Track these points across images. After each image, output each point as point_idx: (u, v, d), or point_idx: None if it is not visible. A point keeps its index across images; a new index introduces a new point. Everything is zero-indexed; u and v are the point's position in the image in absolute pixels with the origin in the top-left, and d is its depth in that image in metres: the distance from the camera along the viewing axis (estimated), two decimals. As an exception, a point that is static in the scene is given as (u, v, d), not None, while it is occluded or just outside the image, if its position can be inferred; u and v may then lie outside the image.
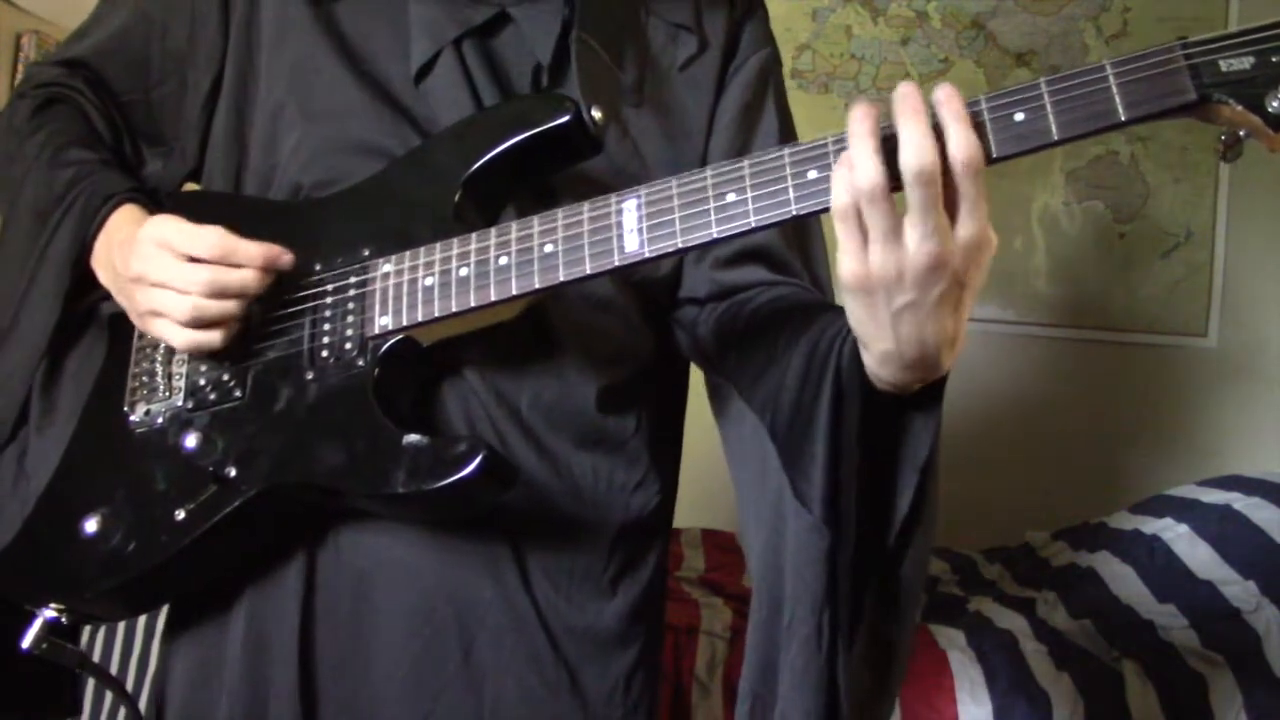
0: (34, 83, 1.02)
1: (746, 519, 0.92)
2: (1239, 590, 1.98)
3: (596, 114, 0.87)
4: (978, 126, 0.69)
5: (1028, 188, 2.94)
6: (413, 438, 0.81)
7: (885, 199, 0.68)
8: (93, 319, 0.96)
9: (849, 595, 0.81)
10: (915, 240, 0.68)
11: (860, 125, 0.69)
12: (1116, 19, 2.93)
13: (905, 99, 0.69)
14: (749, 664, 0.88)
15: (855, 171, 0.68)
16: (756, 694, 0.87)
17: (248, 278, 0.85)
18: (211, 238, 0.84)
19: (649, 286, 0.97)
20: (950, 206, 0.68)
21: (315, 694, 0.89)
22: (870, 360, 0.75)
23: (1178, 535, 2.21)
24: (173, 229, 0.85)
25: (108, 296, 0.92)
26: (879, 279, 0.69)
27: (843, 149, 0.72)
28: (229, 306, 0.85)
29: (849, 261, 0.70)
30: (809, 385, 0.82)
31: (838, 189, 0.70)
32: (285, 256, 0.87)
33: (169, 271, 0.84)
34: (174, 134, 1.01)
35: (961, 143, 0.68)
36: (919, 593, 0.85)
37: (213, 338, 0.86)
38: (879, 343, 0.73)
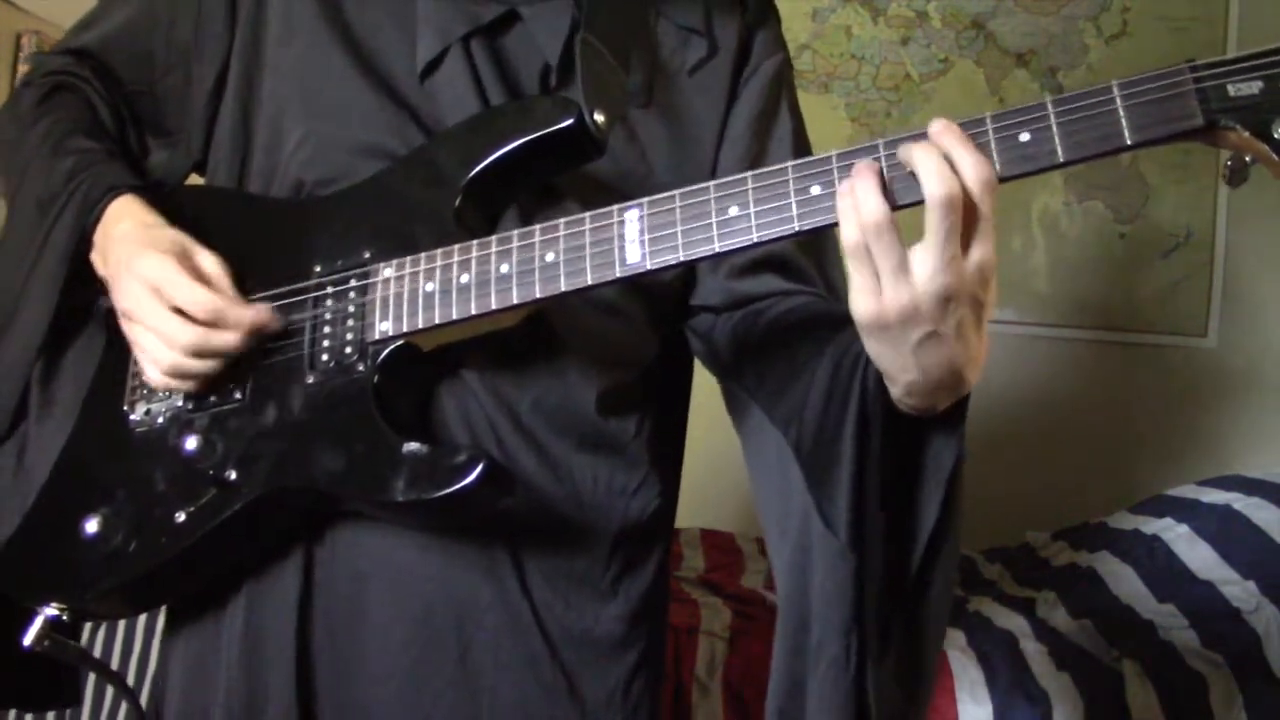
0: (41, 70, 1.02)
1: (771, 530, 0.91)
2: (1239, 590, 1.98)
3: (599, 118, 0.86)
4: (981, 146, 0.69)
5: (1028, 188, 2.93)
6: (412, 446, 0.81)
7: (891, 232, 0.68)
8: (93, 310, 0.96)
9: (878, 615, 0.81)
10: (929, 272, 0.68)
11: (863, 170, 0.70)
12: (1116, 19, 2.92)
13: (914, 144, 0.69)
14: (775, 682, 0.87)
15: (860, 206, 0.69)
16: (783, 712, 0.86)
17: (232, 341, 0.85)
18: (203, 299, 0.84)
19: (654, 291, 0.97)
20: (965, 232, 0.68)
21: (312, 694, 0.89)
22: (897, 391, 0.76)
23: (1178, 535, 2.21)
24: (166, 275, 0.85)
25: (106, 289, 0.92)
26: (894, 314, 0.69)
27: (847, 165, 0.72)
28: (208, 365, 0.86)
29: (865, 300, 0.70)
30: (833, 407, 0.82)
31: (846, 227, 0.70)
32: (275, 323, 0.87)
33: (156, 320, 0.84)
34: (178, 126, 1.01)
35: (971, 162, 0.68)
36: (947, 603, 0.85)
37: (187, 386, 0.88)
38: (904, 374, 0.73)
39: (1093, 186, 2.93)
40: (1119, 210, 2.93)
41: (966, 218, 0.68)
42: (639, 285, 0.95)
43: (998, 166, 0.69)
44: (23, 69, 2.48)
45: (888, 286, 0.69)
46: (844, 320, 0.86)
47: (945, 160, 0.68)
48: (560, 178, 0.91)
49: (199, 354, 0.85)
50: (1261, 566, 2.01)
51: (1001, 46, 2.98)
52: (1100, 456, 2.87)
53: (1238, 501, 2.22)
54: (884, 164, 0.71)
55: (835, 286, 0.99)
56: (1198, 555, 2.13)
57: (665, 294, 0.98)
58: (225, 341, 0.85)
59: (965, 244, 0.68)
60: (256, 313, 0.86)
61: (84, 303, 0.95)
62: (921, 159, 0.68)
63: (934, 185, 0.67)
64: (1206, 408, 2.88)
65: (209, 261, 0.87)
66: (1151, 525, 2.29)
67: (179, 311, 0.84)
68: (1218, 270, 2.89)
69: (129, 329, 0.87)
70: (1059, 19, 2.95)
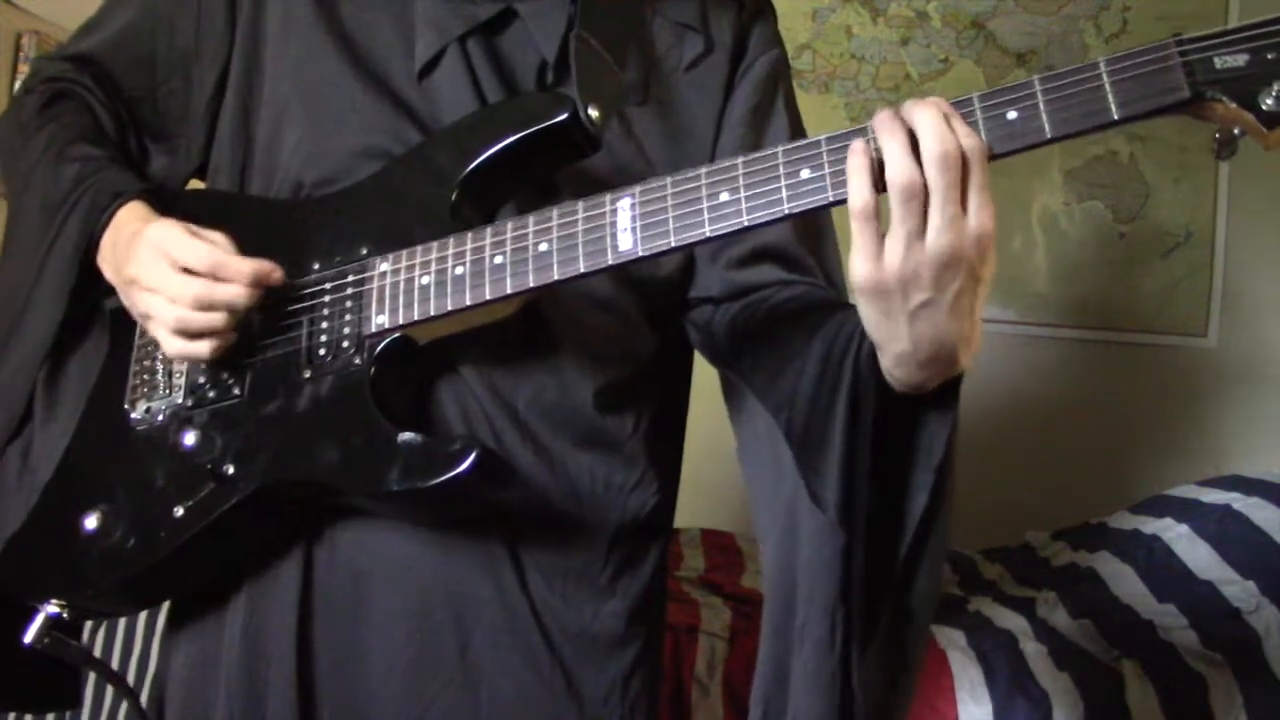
0: (41, 77, 1.02)
1: (761, 518, 0.92)
2: (1239, 590, 1.98)
3: (594, 112, 0.87)
4: (971, 125, 0.70)
5: (1028, 188, 2.94)
6: (407, 436, 0.82)
7: (922, 194, 0.69)
8: (97, 314, 0.97)
9: (863, 597, 0.81)
10: (934, 232, 0.68)
11: (889, 123, 0.70)
12: (1116, 18, 2.93)
13: (910, 104, 0.70)
14: (762, 667, 0.87)
15: (892, 167, 0.69)
16: (770, 698, 0.86)
17: (235, 293, 0.84)
18: (203, 251, 0.84)
19: (650, 286, 0.97)
20: (961, 198, 0.69)
21: (313, 691, 0.90)
22: (886, 361, 0.76)
23: (1178, 535, 2.20)
24: (170, 236, 0.85)
25: (112, 292, 0.92)
26: (896, 278, 0.70)
27: (837, 147, 0.72)
28: (215, 320, 0.85)
29: (864, 264, 0.71)
30: (825, 386, 0.83)
31: (858, 189, 0.70)
32: (276, 274, 0.87)
33: (161, 279, 0.84)
34: (179, 131, 1.01)
35: (963, 131, 0.69)
36: (934, 594, 0.85)
37: (201, 348, 0.86)
38: (895, 344, 0.73)
39: (1093, 186, 2.93)
40: (1119, 210, 2.93)
41: (963, 180, 0.69)
42: (633, 279, 0.95)
43: (987, 144, 0.70)
44: (23, 69, 2.49)
45: (897, 250, 0.70)
46: (838, 307, 0.86)
47: (945, 120, 0.69)
48: (558, 174, 0.91)
49: (204, 306, 0.84)
50: (1261, 566, 2.01)
51: (1001, 46, 2.99)
52: (1100, 456, 2.87)
53: (1237, 501, 2.21)
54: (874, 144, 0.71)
55: (833, 277, 1.00)
56: (1198, 555, 2.13)
57: (661, 289, 0.98)
58: (228, 293, 0.84)
59: (963, 204, 0.69)
60: (257, 264, 0.85)
61: (91, 306, 0.96)
62: (922, 118, 0.69)
63: (932, 142, 0.68)
64: (1206, 408, 2.88)
65: (214, 233, 0.87)
66: (1151, 525, 2.28)
67: (185, 271, 0.84)
68: (1218, 270, 2.89)
69: (137, 298, 0.87)
70: (1059, 19, 2.96)
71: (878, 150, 0.71)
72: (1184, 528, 2.21)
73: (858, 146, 0.71)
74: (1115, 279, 2.93)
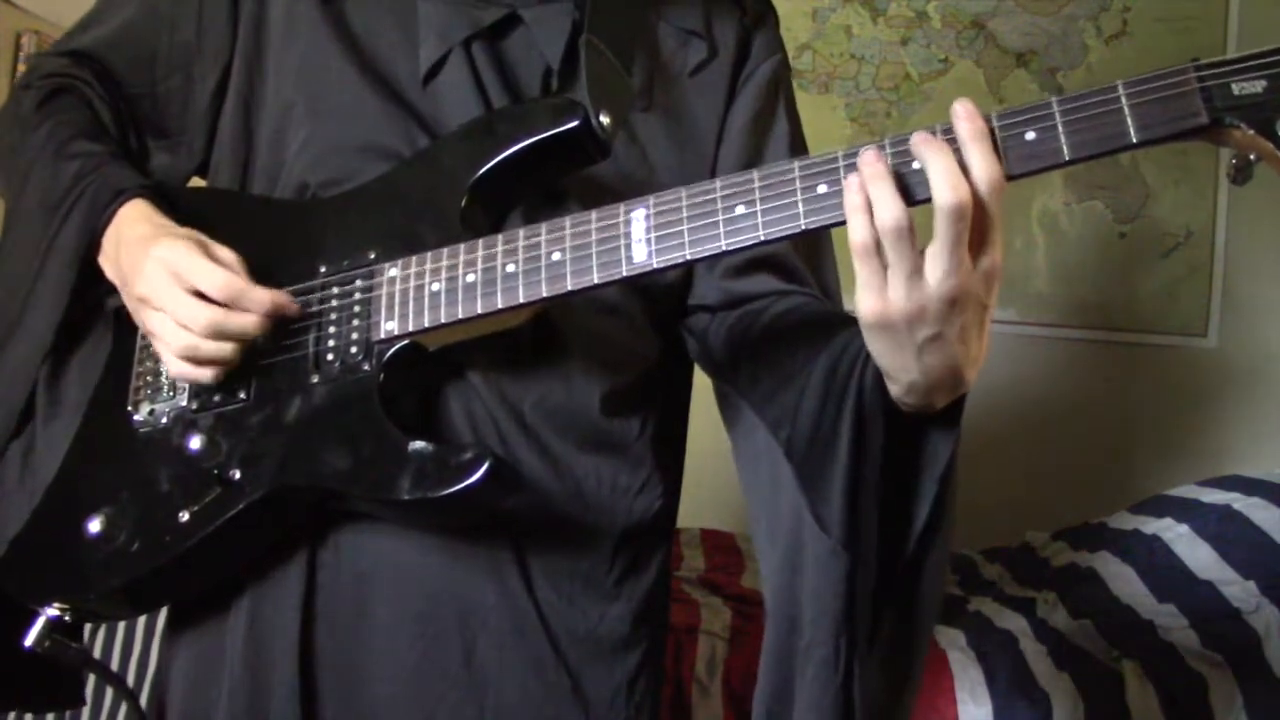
0: (40, 73, 1.01)
1: (760, 532, 0.91)
2: (1239, 590, 1.97)
3: (605, 119, 0.86)
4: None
5: (1028, 188, 2.93)
6: (418, 444, 0.81)
7: (910, 237, 0.68)
8: (99, 312, 0.96)
9: (867, 613, 0.81)
10: (938, 276, 0.68)
11: (875, 166, 0.69)
12: (1116, 19, 2.93)
13: (928, 140, 0.69)
14: (763, 683, 0.87)
15: (877, 208, 0.68)
16: (771, 714, 0.86)
17: (249, 323, 0.84)
18: (220, 278, 0.83)
19: (655, 291, 0.97)
20: (974, 235, 0.68)
21: (316, 695, 0.89)
22: (896, 390, 0.76)
23: (1178, 535, 2.20)
24: (184, 258, 0.84)
25: (114, 290, 0.92)
26: (901, 316, 0.69)
27: (853, 164, 0.72)
28: (225, 349, 0.84)
29: (870, 299, 0.70)
30: (829, 407, 0.82)
31: (856, 227, 0.69)
32: (292, 306, 0.87)
33: (172, 302, 0.83)
34: (179, 128, 1.00)
35: (983, 162, 0.68)
36: (936, 603, 0.85)
37: (204, 374, 0.86)
38: (905, 374, 0.73)
39: (1092, 186, 2.93)
40: (1119, 210, 2.93)
41: (975, 222, 0.68)
42: (639, 285, 0.95)
43: (1005, 165, 0.69)
44: (23, 69, 2.48)
45: (899, 289, 0.69)
46: (840, 322, 0.86)
47: (956, 160, 0.68)
48: (563, 180, 0.91)
49: (216, 335, 0.84)
50: (1261, 566, 2.01)
51: (1001, 46, 2.98)
52: (1100, 456, 2.87)
53: (1238, 501, 2.21)
54: (890, 161, 0.71)
55: (829, 289, 1.00)
56: (1198, 555, 2.13)
57: (666, 294, 0.98)
58: (243, 323, 0.84)
59: (974, 248, 0.68)
60: (275, 295, 0.85)
61: (92, 304, 0.95)
62: (933, 159, 0.68)
63: (944, 192, 0.67)
64: (1206, 408, 2.88)
65: (224, 252, 0.86)
66: (1151, 525, 2.28)
67: (197, 295, 0.83)
68: (1218, 270, 2.89)
69: (145, 316, 0.86)
70: (1059, 19, 2.95)
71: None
72: (1184, 528, 2.21)
73: (853, 184, 0.70)
74: (1115, 279, 2.93)
